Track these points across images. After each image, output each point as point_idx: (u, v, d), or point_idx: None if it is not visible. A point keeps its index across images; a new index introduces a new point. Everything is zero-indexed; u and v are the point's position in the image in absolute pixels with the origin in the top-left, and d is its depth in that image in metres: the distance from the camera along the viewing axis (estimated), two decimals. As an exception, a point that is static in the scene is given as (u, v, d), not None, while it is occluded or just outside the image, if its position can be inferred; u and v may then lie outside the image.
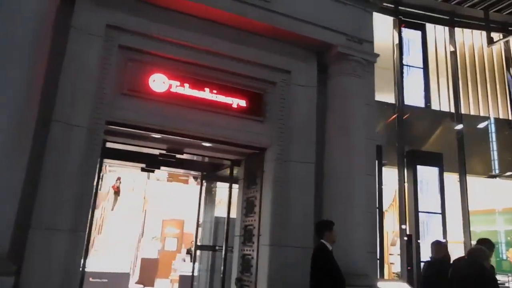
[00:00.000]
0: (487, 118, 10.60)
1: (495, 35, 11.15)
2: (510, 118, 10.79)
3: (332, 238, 4.55)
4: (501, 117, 10.81)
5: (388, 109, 9.52)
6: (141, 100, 5.05)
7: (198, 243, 7.73)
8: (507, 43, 11.18)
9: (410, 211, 8.94)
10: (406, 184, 9.14)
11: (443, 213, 8.98)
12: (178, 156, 6.57)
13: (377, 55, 6.33)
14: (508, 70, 11.09)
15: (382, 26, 9.87)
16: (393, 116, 9.48)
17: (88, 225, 4.79)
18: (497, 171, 10.29)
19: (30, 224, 4.02)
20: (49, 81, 4.29)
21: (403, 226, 8.87)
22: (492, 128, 10.51)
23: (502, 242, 11.18)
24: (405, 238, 8.67)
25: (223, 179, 7.43)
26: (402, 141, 9.31)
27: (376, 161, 6.87)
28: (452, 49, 10.67)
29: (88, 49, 4.64)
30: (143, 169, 7.23)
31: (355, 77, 5.87)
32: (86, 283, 7.12)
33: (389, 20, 10.15)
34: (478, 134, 10.36)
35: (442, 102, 10.36)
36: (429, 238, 8.13)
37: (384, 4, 9.52)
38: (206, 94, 5.42)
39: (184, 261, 11.35)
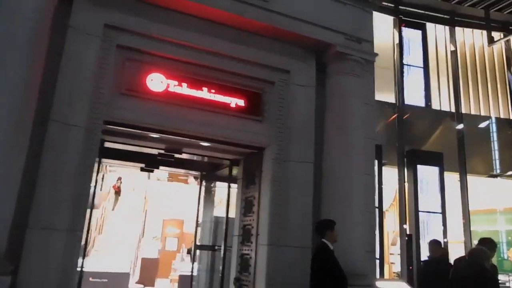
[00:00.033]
0: (487, 117, 10.57)
1: (496, 35, 11.12)
2: (511, 118, 10.76)
3: (333, 238, 4.54)
4: (502, 116, 10.78)
5: (388, 109, 9.50)
6: (139, 100, 5.05)
7: (198, 243, 7.73)
8: (507, 42, 11.15)
9: (410, 210, 8.93)
10: (406, 184, 9.13)
11: (443, 212, 8.96)
12: (176, 156, 6.58)
13: (376, 55, 6.31)
14: (509, 69, 11.05)
15: (382, 26, 9.86)
16: (394, 116, 9.47)
17: (86, 225, 4.79)
18: (498, 171, 10.26)
19: (27, 224, 4.03)
20: (47, 81, 4.29)
21: (404, 226, 8.85)
22: (494, 127, 10.48)
23: (503, 241, 11.15)
24: (405, 238, 8.66)
25: (222, 179, 7.43)
26: (402, 140, 9.30)
27: (376, 161, 6.87)
28: (453, 48, 10.64)
29: (86, 49, 4.64)
30: (142, 169, 7.24)
31: (353, 76, 5.85)
32: (86, 283, 7.14)
33: (389, 19, 10.13)
34: (479, 134, 10.34)
35: (443, 101, 10.33)
36: (429, 237, 8.08)
37: (384, 3, 9.53)
38: (205, 93, 5.42)
39: (184, 260, 11.35)
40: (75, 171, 4.36)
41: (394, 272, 10.19)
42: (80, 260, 5.13)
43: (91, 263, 9.22)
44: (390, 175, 9.05)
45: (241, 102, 5.64)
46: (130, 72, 5.08)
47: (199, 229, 7.72)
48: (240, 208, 6.22)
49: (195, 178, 11.28)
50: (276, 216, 5.39)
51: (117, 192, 14.85)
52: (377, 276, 7.64)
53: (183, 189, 15.23)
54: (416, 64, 10.13)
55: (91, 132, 4.56)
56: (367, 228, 5.60)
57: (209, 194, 8.10)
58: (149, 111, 5.04)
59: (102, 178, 12.99)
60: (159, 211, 14.90)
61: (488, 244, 4.64)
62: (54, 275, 4.09)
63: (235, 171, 6.73)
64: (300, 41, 5.84)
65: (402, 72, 9.77)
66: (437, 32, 10.76)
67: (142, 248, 13.75)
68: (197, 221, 7.49)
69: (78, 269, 4.91)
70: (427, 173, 9.16)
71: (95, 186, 5.75)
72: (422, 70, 10.13)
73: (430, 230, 8.81)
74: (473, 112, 10.56)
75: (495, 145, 10.36)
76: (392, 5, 10.00)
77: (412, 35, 10.30)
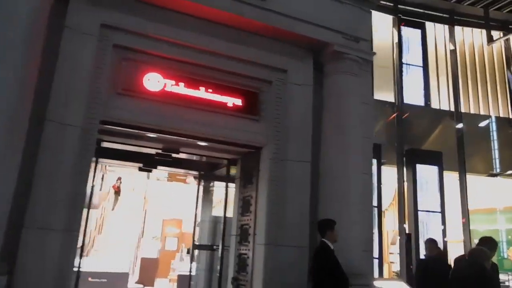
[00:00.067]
0: (487, 116, 10.56)
1: (495, 33, 11.12)
2: (510, 117, 10.74)
3: (333, 237, 4.53)
4: (501, 115, 10.76)
5: (387, 108, 9.50)
6: (136, 100, 5.04)
7: (196, 243, 7.73)
8: (507, 41, 11.13)
9: (409, 210, 8.93)
10: (405, 183, 9.12)
11: (442, 212, 8.97)
12: (174, 155, 6.57)
13: (374, 54, 6.30)
14: (508, 68, 11.03)
15: (382, 25, 9.86)
16: (393, 115, 9.47)
17: (82, 224, 4.79)
18: (498, 170, 10.26)
19: (23, 224, 4.02)
20: (43, 81, 4.28)
21: (403, 225, 8.84)
22: (493, 126, 10.47)
23: (503, 241, 11.15)
24: (405, 237, 8.65)
25: (220, 179, 7.42)
26: (401, 140, 9.30)
27: (376, 160, 6.85)
28: (452, 47, 10.64)
29: (82, 49, 4.63)
30: (140, 169, 7.23)
31: (351, 75, 5.83)
32: (85, 282, 7.15)
33: (388, 18, 10.13)
34: (479, 133, 10.33)
35: (442, 100, 10.34)
36: (428, 237, 8.10)
37: (384, 2, 9.53)
38: (202, 93, 5.41)
39: (183, 260, 11.35)
40: (71, 171, 4.35)
41: (393, 272, 10.18)
42: (77, 260, 5.14)
43: (91, 263, 9.21)
44: (389, 174, 9.05)
45: (238, 102, 5.62)
46: (127, 71, 5.06)
47: (197, 228, 7.72)
48: (237, 208, 6.21)
49: (195, 178, 11.27)
50: (273, 215, 5.37)
51: (117, 192, 14.86)
52: (377, 275, 7.65)
53: (182, 189, 15.22)
54: (415, 63, 10.13)
55: (88, 132, 4.55)
56: (365, 227, 5.59)
57: (208, 194, 8.10)
58: (146, 110, 5.03)
59: (102, 178, 13.03)
60: (159, 211, 14.90)
61: (488, 244, 4.61)
62: (50, 275, 4.08)
63: (233, 171, 6.71)
64: (298, 40, 5.83)
65: (401, 71, 9.77)
66: (436, 31, 10.76)
67: (141, 248, 13.76)
68: (195, 220, 7.49)
69: (75, 269, 4.91)
70: (426, 172, 9.17)
71: (92, 186, 5.76)
72: (421, 69, 10.14)
73: (429, 229, 8.81)
74: (472, 111, 10.56)
75: (495, 144, 10.35)
76: (392, 4, 10.00)
77: (411, 34, 10.31)
